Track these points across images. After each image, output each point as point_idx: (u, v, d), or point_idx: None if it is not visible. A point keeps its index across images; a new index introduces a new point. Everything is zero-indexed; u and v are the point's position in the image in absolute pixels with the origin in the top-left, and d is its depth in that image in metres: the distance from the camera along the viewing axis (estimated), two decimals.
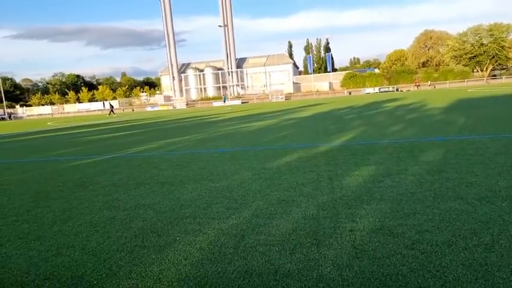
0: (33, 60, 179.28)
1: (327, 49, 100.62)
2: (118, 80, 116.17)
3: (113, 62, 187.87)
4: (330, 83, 69.75)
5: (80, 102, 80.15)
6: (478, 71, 67.30)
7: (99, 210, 3.90)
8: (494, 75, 64.44)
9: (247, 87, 72.68)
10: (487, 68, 65.25)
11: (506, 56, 62.70)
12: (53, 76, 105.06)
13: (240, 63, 74.45)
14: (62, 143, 12.49)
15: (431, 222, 2.92)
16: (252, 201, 3.83)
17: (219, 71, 72.08)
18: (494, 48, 62.00)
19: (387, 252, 2.46)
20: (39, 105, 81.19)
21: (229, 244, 2.77)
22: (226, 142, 9.19)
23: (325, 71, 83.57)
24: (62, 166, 7.19)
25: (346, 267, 2.30)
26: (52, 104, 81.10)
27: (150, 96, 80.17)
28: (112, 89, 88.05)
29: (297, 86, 70.49)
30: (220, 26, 71.04)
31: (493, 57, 63.36)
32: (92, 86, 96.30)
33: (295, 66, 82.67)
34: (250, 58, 77.22)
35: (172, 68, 71.17)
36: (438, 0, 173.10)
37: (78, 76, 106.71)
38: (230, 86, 71.57)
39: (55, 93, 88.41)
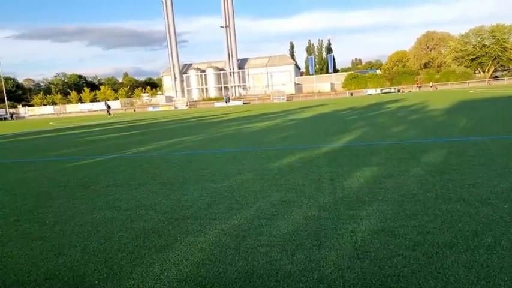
0: (36, 60, 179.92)
1: (329, 50, 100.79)
2: (120, 80, 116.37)
3: (114, 63, 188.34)
4: (331, 84, 69.70)
5: (82, 103, 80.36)
6: (480, 72, 67.12)
7: (101, 210, 3.91)
8: (496, 77, 64.23)
9: (249, 88, 72.70)
10: (489, 70, 65.07)
11: (508, 58, 62.50)
12: (55, 76, 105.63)
13: (241, 63, 74.52)
14: (63, 143, 12.52)
15: (433, 223, 2.92)
16: (253, 201, 3.83)
17: (221, 72, 72.12)
18: (496, 50, 61.84)
19: (388, 254, 2.45)
20: (41, 105, 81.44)
21: (231, 245, 2.77)
22: (228, 143, 9.19)
23: (327, 72, 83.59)
24: (63, 166, 7.21)
25: (347, 268, 2.30)
26: (54, 104, 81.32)
27: (151, 97, 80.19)
28: (114, 89, 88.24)
29: (298, 87, 70.48)
30: (222, 27, 71.15)
31: (495, 58, 63.19)
32: (93, 86, 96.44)
33: (297, 67, 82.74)
34: (252, 59, 77.31)
35: (174, 69, 71.28)
36: (440, 1, 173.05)
37: (80, 76, 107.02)
38: (232, 87, 71.58)
39: (57, 93, 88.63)
